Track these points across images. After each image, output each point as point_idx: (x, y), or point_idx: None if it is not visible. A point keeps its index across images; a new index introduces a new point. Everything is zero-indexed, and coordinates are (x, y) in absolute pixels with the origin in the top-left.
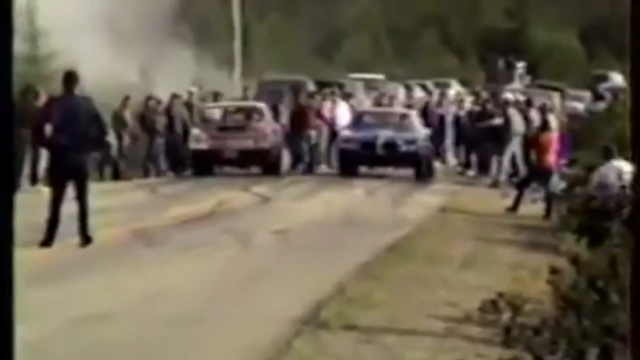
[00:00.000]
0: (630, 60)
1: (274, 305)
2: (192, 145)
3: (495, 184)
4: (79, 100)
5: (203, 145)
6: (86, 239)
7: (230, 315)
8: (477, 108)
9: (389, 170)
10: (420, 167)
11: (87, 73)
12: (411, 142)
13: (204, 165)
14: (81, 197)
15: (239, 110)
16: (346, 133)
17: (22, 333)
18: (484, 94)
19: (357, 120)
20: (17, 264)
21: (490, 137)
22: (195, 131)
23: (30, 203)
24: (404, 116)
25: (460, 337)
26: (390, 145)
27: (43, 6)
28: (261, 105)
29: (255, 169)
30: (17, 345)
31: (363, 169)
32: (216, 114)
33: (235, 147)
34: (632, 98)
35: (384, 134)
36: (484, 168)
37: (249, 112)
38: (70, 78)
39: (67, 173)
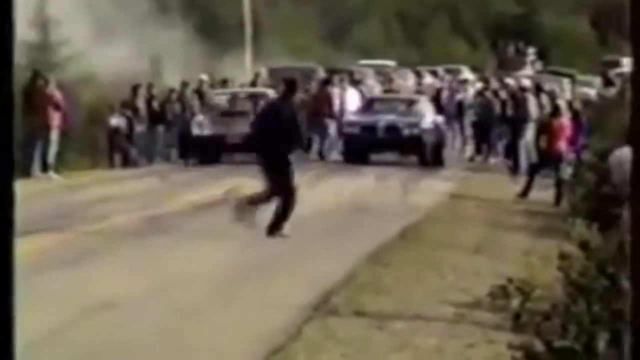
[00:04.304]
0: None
1: (284, 292)
2: (195, 131)
3: (515, 170)
4: None
5: (206, 131)
6: None
7: (241, 302)
8: (487, 94)
9: (397, 157)
10: (424, 153)
11: (98, 60)
12: (414, 125)
13: (208, 151)
14: None
15: (245, 96)
16: (351, 118)
17: (35, 319)
18: (494, 80)
19: (365, 106)
20: (29, 251)
21: (502, 123)
22: (198, 117)
23: (42, 190)
24: (411, 102)
25: (470, 322)
26: (392, 128)
27: None
28: (268, 90)
29: None
30: (25, 335)
31: (373, 157)
32: (222, 100)
33: (239, 133)
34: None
35: (386, 118)
36: (494, 154)
37: (255, 98)
38: None
39: None
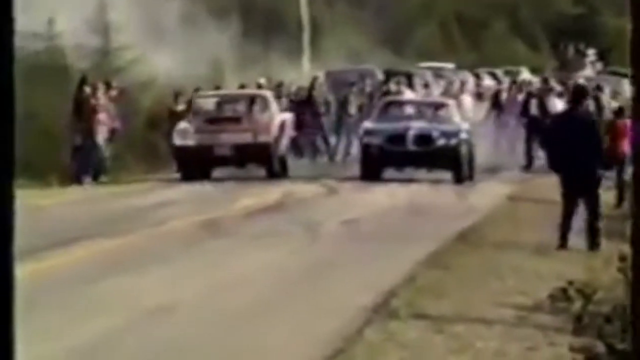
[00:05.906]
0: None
1: (344, 295)
2: (176, 141)
3: None
4: None
5: (189, 141)
6: None
7: (300, 305)
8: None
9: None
10: (460, 169)
11: (157, 64)
12: (452, 134)
13: (191, 164)
14: None
15: (237, 99)
16: (369, 125)
17: (95, 324)
18: (553, 81)
19: (384, 110)
20: (90, 256)
21: None
22: (181, 125)
23: (96, 196)
24: (440, 106)
25: (531, 325)
26: (423, 138)
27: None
28: (266, 93)
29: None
30: (86, 337)
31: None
32: (209, 104)
33: (228, 143)
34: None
35: (416, 125)
36: None
37: (249, 101)
38: None
39: None
